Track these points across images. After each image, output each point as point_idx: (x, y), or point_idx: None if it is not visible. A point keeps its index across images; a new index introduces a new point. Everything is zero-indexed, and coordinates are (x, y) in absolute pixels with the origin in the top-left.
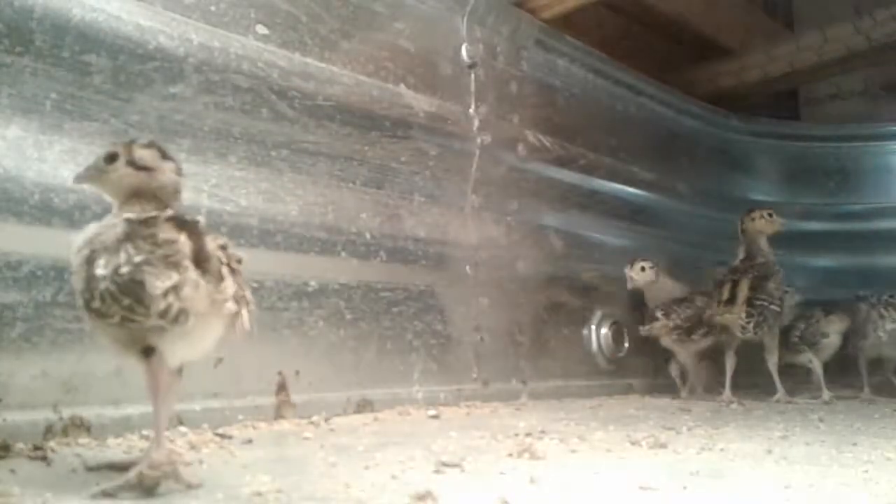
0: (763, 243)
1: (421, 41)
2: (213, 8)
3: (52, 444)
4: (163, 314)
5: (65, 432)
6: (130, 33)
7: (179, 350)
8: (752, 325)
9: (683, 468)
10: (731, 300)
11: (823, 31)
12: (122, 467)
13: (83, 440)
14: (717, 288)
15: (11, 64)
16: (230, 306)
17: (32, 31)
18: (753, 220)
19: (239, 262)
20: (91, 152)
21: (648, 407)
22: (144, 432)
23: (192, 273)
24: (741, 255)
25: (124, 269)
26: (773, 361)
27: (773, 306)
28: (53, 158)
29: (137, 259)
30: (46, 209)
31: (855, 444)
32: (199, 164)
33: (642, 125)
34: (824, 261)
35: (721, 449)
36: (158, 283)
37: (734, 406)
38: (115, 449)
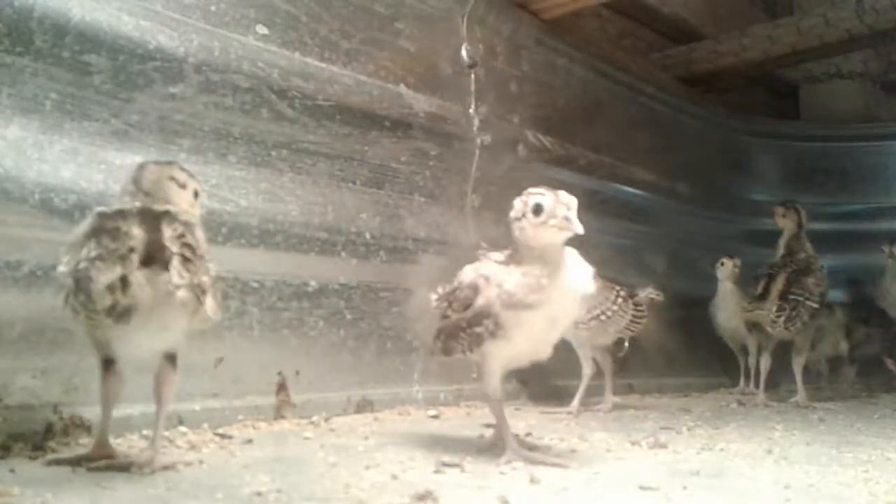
0: (805, 239)
1: (421, 41)
2: (213, 8)
3: (52, 444)
4: (109, 311)
5: (65, 432)
6: (130, 33)
7: (140, 341)
8: (782, 319)
9: (683, 468)
10: (764, 296)
11: (825, 16)
12: (121, 467)
13: (83, 440)
14: (754, 284)
15: (11, 64)
16: (181, 295)
17: (32, 31)
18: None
19: (193, 251)
20: (91, 152)
21: (648, 407)
22: (145, 432)
23: (138, 266)
24: (781, 251)
25: (82, 265)
26: (798, 361)
27: (809, 302)
28: (53, 158)
29: (93, 254)
30: (46, 209)
31: (855, 445)
32: (199, 164)
33: (642, 125)
34: (824, 260)
35: (721, 449)
36: (102, 277)
37: (734, 406)
38: (115, 449)
